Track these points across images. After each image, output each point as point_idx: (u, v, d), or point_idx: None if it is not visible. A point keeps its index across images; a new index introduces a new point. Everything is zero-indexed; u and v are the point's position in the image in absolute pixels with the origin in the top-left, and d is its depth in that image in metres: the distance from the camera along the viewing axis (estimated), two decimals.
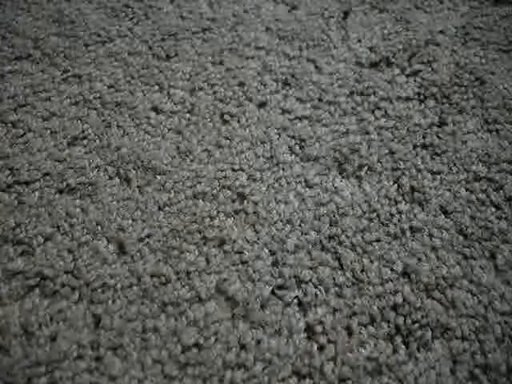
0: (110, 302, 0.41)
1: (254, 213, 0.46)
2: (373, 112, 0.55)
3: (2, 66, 0.60)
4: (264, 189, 0.48)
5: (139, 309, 0.40)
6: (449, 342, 0.39)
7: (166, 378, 0.37)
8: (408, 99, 0.56)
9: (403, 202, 0.47)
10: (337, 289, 0.42)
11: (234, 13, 0.67)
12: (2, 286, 0.42)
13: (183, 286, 0.42)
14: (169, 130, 0.53)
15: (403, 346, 0.39)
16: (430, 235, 0.45)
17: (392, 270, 0.43)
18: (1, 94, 0.57)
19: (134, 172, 0.49)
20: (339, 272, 0.43)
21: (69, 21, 0.67)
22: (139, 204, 0.47)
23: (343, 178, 0.49)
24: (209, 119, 0.54)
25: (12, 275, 0.42)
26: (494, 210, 0.47)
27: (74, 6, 0.69)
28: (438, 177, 0.49)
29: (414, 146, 0.52)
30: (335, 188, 0.48)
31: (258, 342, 0.39)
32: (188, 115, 0.55)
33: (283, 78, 0.58)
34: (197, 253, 0.44)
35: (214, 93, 0.57)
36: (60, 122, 0.54)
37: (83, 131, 0.53)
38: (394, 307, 0.41)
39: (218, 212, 0.47)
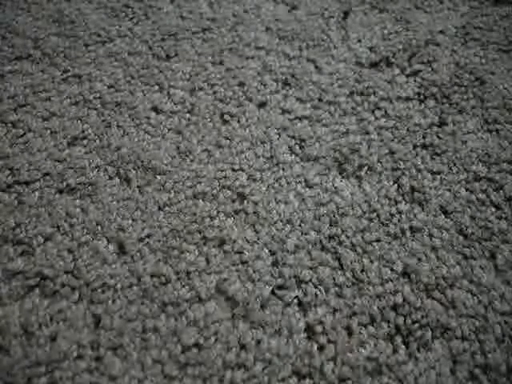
0: (109, 301, 0.41)
1: (254, 213, 0.46)
2: (373, 112, 0.55)
3: (2, 65, 0.60)
4: (264, 189, 0.48)
5: (139, 309, 0.40)
6: (449, 342, 0.39)
7: (165, 377, 0.37)
8: (408, 99, 0.56)
9: (403, 202, 0.47)
10: (337, 289, 0.42)
11: (234, 13, 0.67)
12: (2, 286, 0.42)
13: (183, 286, 0.42)
14: (169, 130, 0.53)
15: (403, 346, 0.39)
16: (430, 235, 0.45)
17: (392, 269, 0.43)
18: (1, 93, 0.57)
19: (133, 172, 0.50)
20: (339, 272, 0.43)
21: (69, 21, 0.67)
22: (139, 204, 0.47)
23: (343, 178, 0.49)
24: (209, 119, 0.54)
25: (12, 275, 0.42)
26: (493, 210, 0.47)
27: (74, 5, 0.69)
28: (438, 177, 0.49)
29: (414, 146, 0.52)
30: (335, 188, 0.48)
31: (258, 342, 0.39)
32: (188, 115, 0.55)
33: (283, 77, 0.58)
34: (197, 253, 0.44)
35: (214, 93, 0.57)
36: (60, 122, 0.54)
37: (83, 131, 0.53)
38: (394, 307, 0.41)
39: (218, 212, 0.47)
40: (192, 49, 0.62)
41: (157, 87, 0.58)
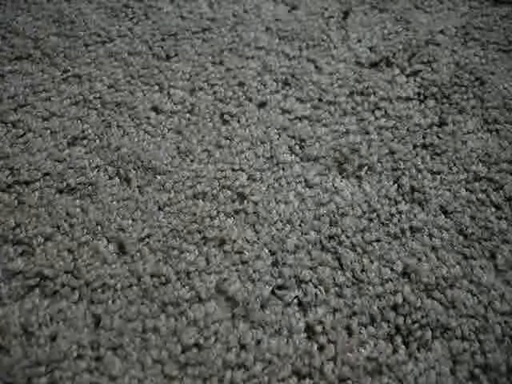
0: (109, 301, 0.41)
1: (254, 213, 0.46)
2: (373, 112, 0.55)
3: (2, 66, 0.60)
4: (264, 189, 0.48)
5: (139, 309, 0.40)
6: (449, 342, 0.39)
7: (165, 377, 0.37)
8: (408, 99, 0.56)
9: (403, 202, 0.47)
10: (337, 289, 0.42)
11: (234, 13, 0.67)
12: (2, 286, 0.42)
13: (183, 286, 0.42)
14: (169, 130, 0.53)
15: (403, 346, 0.39)
16: (430, 235, 0.45)
17: (392, 269, 0.43)
18: (1, 94, 0.57)
19: (133, 172, 0.50)
20: (339, 272, 0.43)
21: (69, 21, 0.66)
22: (139, 204, 0.47)
23: (343, 178, 0.49)
24: (209, 119, 0.54)
25: (12, 275, 0.42)
26: (494, 210, 0.47)
27: (74, 6, 0.69)
28: (438, 177, 0.49)
29: (414, 146, 0.52)
30: (335, 188, 0.48)
31: (258, 342, 0.39)
32: (188, 115, 0.55)
33: (283, 77, 0.58)
34: (197, 253, 0.44)
35: (214, 93, 0.57)
36: (60, 122, 0.54)
37: (83, 131, 0.53)
38: (394, 307, 0.41)
39: (218, 212, 0.47)
40: (192, 49, 0.62)
41: (157, 87, 0.58)
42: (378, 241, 0.45)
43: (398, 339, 0.39)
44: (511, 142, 0.52)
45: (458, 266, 0.43)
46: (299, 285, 0.42)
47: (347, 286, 0.42)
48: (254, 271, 0.43)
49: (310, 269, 0.43)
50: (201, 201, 0.47)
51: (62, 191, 0.48)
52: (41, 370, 0.37)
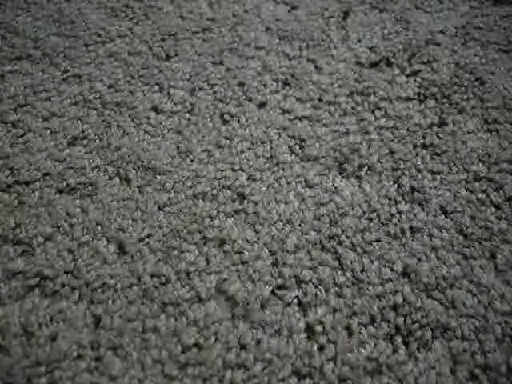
0: (109, 301, 0.41)
1: (254, 213, 0.46)
2: (373, 112, 0.55)
3: (2, 66, 0.60)
4: (264, 189, 0.48)
5: (139, 309, 0.40)
6: (449, 341, 0.39)
7: (165, 377, 0.37)
8: (408, 99, 0.56)
9: (403, 202, 0.47)
10: (337, 289, 0.42)
11: (234, 13, 0.67)
12: (2, 286, 0.42)
13: (183, 286, 0.42)
14: (169, 130, 0.53)
15: (403, 346, 0.39)
16: (430, 235, 0.45)
17: (392, 269, 0.43)
18: (1, 94, 0.57)
19: (133, 172, 0.50)
20: (339, 272, 0.43)
21: (69, 21, 0.67)
22: (139, 204, 0.47)
23: (343, 177, 0.49)
24: (209, 119, 0.54)
25: (12, 275, 0.42)
26: (494, 210, 0.47)
27: (74, 6, 0.69)
28: (438, 177, 0.49)
29: (414, 146, 0.52)
30: (335, 188, 0.48)
31: (258, 342, 0.39)
32: (188, 115, 0.55)
33: (283, 77, 0.58)
34: (197, 253, 0.44)
35: (214, 93, 0.57)
36: (60, 122, 0.54)
37: (83, 131, 0.53)
38: (394, 307, 0.41)
39: (218, 212, 0.47)
40: (192, 49, 0.62)
41: (157, 87, 0.58)
42: (378, 241, 0.45)
43: (398, 339, 0.39)
44: (511, 142, 0.52)
45: (457, 266, 0.43)
46: (299, 285, 0.42)
47: (347, 286, 0.42)
48: (254, 271, 0.43)
49: (310, 269, 0.43)
50: (201, 201, 0.47)
51: (62, 191, 0.48)
52: (41, 369, 0.37)
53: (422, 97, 0.57)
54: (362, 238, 0.45)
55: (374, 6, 0.69)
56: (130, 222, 0.46)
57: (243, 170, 0.50)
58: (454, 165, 0.50)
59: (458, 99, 0.56)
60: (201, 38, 0.64)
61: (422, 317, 0.40)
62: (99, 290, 0.42)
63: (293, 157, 0.51)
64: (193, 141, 0.52)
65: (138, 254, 0.44)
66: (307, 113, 0.55)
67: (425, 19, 0.66)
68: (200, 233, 0.45)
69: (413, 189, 0.48)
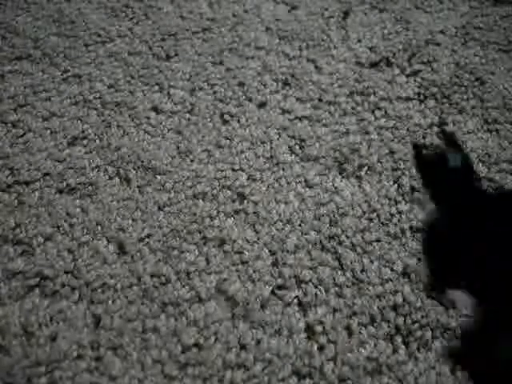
0: (109, 301, 0.41)
1: (254, 213, 0.46)
2: (373, 112, 0.55)
3: (2, 66, 0.60)
4: (264, 189, 0.48)
5: (139, 309, 0.40)
6: (449, 341, 0.39)
7: (165, 377, 0.37)
8: (408, 99, 0.56)
9: (403, 202, 0.47)
10: (337, 289, 0.42)
11: (234, 13, 0.67)
12: (2, 286, 0.42)
13: (183, 286, 0.42)
14: (169, 130, 0.53)
15: (403, 346, 0.39)
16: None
17: (392, 269, 0.43)
18: (1, 94, 0.57)
19: (133, 172, 0.50)
20: (339, 272, 0.43)
21: (69, 21, 0.66)
22: (139, 204, 0.47)
23: (343, 177, 0.49)
24: (209, 119, 0.54)
25: (12, 275, 0.42)
26: None
27: (74, 6, 0.69)
28: None
29: (414, 146, 0.52)
30: (335, 188, 0.48)
31: (258, 342, 0.39)
32: (188, 115, 0.55)
33: (283, 77, 0.58)
34: (197, 253, 0.44)
35: (214, 93, 0.57)
36: (60, 122, 0.54)
37: (83, 131, 0.53)
38: (394, 307, 0.41)
39: (218, 212, 0.47)
40: (192, 49, 0.62)
41: (157, 87, 0.58)
42: (378, 241, 0.45)
43: (398, 339, 0.39)
44: (511, 142, 0.52)
45: None
46: (299, 285, 0.42)
47: (347, 286, 0.42)
48: (254, 271, 0.43)
49: (310, 269, 0.43)
50: (201, 201, 0.47)
51: (62, 191, 0.48)
52: (41, 369, 0.37)
53: (422, 97, 0.56)
54: (362, 237, 0.45)
55: (374, 6, 0.68)
56: (130, 221, 0.46)
57: (243, 170, 0.50)
58: None
59: (458, 99, 0.56)
60: (201, 38, 0.64)
61: (422, 317, 0.40)
62: (99, 290, 0.41)
63: (293, 157, 0.51)
64: (193, 141, 0.52)
65: (138, 254, 0.44)
66: (307, 113, 0.55)
67: (425, 19, 0.66)
68: (200, 233, 0.45)
69: (413, 189, 0.48)
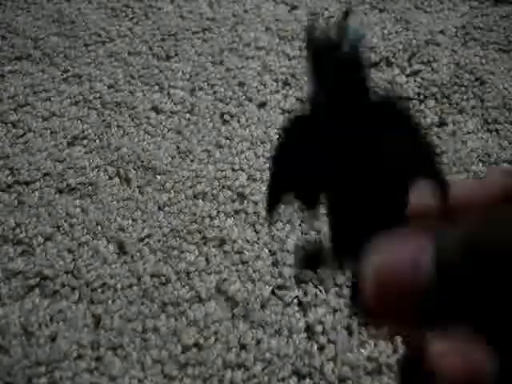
0: (109, 301, 0.41)
1: (254, 213, 0.46)
2: None
3: (2, 66, 0.60)
4: (264, 189, 0.48)
5: (139, 309, 0.40)
6: None
7: (165, 377, 0.37)
8: (408, 99, 0.56)
9: None
10: (337, 289, 0.42)
11: (234, 13, 0.67)
12: (2, 286, 0.42)
13: (183, 286, 0.42)
14: (169, 130, 0.53)
15: (403, 346, 0.39)
16: None
17: None
18: (1, 94, 0.57)
19: (133, 172, 0.50)
20: (339, 272, 0.43)
21: (69, 21, 0.67)
22: (139, 204, 0.47)
23: None
24: (209, 119, 0.54)
25: (12, 275, 0.42)
26: None
27: (74, 6, 0.69)
28: None
29: None
30: None
31: (258, 342, 0.39)
32: (188, 115, 0.55)
33: (283, 77, 0.58)
34: (197, 253, 0.44)
35: (214, 93, 0.57)
36: (60, 122, 0.54)
37: (83, 131, 0.53)
38: None
39: (218, 212, 0.47)
40: (192, 49, 0.62)
41: (157, 87, 0.58)
42: None
43: (398, 339, 0.39)
44: (511, 142, 0.52)
45: None
46: (299, 285, 0.42)
47: (347, 286, 0.42)
48: (254, 271, 0.43)
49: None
50: (201, 201, 0.47)
51: (61, 191, 0.48)
52: (41, 369, 0.37)
53: (421, 97, 0.56)
54: None
55: (374, 6, 0.69)
56: (130, 221, 0.46)
57: (243, 170, 0.50)
58: (454, 165, 0.50)
59: (458, 99, 0.56)
60: (201, 38, 0.64)
61: None
62: (99, 290, 0.41)
63: None
64: (193, 141, 0.52)
65: (138, 254, 0.44)
66: None
67: (425, 19, 0.66)
68: (200, 233, 0.45)
69: None
